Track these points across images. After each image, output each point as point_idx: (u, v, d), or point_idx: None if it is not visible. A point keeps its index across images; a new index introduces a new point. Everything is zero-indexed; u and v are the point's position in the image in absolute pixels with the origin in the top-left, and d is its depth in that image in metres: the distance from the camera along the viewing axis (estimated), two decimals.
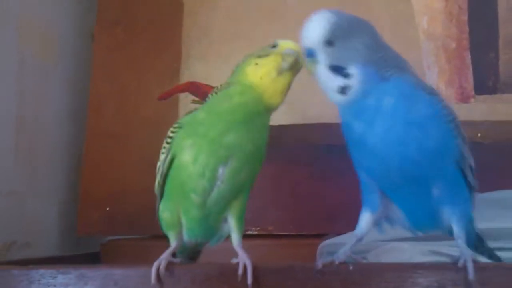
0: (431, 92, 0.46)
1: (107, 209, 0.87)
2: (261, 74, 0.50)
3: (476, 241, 0.52)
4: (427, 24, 0.84)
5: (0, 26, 0.78)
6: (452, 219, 0.45)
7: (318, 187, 0.82)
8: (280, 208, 0.83)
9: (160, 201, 0.55)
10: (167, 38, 0.91)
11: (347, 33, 0.47)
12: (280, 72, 0.51)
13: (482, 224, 0.54)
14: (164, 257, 0.51)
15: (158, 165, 0.53)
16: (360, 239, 0.49)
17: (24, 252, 0.79)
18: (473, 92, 0.82)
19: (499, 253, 0.55)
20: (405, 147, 0.44)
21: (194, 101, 0.89)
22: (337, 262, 0.46)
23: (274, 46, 0.52)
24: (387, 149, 0.45)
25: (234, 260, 0.50)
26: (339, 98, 0.47)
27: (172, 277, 0.50)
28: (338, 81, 0.47)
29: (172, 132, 0.52)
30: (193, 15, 0.91)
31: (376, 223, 0.49)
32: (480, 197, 0.66)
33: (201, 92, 0.89)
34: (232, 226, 0.52)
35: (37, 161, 0.85)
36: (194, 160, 0.49)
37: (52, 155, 0.89)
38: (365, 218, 0.49)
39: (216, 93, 0.52)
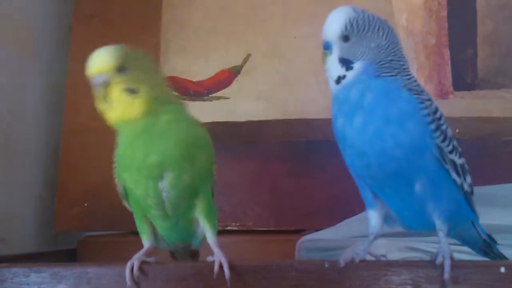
0: (417, 93, 0.46)
1: (85, 204, 0.86)
2: (111, 113, 0.52)
3: (485, 246, 0.52)
4: (407, 21, 0.84)
5: None
6: (434, 214, 0.46)
7: (298, 183, 0.82)
8: (259, 203, 0.83)
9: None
10: (146, 31, 0.90)
11: (363, 30, 0.49)
12: (105, 100, 0.52)
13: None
14: (137, 257, 0.51)
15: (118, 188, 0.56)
16: (376, 236, 0.49)
17: None
18: (451, 89, 0.82)
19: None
20: (382, 143, 0.45)
21: None
22: (357, 260, 0.46)
23: (89, 78, 0.53)
24: (365, 144, 0.46)
25: (209, 258, 0.50)
26: (334, 87, 0.49)
27: (147, 276, 0.49)
28: (339, 71, 0.49)
29: (114, 167, 0.56)
30: (171, 9, 0.90)
31: (384, 219, 0.49)
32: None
33: (180, 87, 0.88)
34: (203, 226, 0.53)
35: (13, 155, 0.83)
36: (135, 186, 0.52)
37: (28, 149, 0.87)
38: (371, 216, 0.49)
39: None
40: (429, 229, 0.48)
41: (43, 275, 0.50)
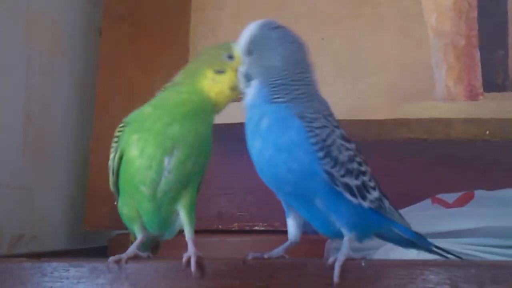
0: (310, 120, 0.48)
1: (115, 203, 0.87)
2: (217, 90, 0.53)
3: (411, 243, 0.53)
4: (436, 21, 0.84)
5: (8, 23, 0.78)
6: (338, 224, 0.49)
7: None
8: None
9: (118, 197, 0.57)
10: (175, 34, 0.91)
11: (263, 47, 0.50)
12: (234, 89, 0.53)
13: (486, 222, 0.54)
14: (130, 251, 0.52)
15: (109, 164, 0.56)
16: (293, 243, 0.54)
17: (31, 246, 0.79)
18: (481, 90, 0.81)
19: (504, 251, 0.55)
20: (275, 168, 0.48)
21: None
22: (266, 256, 0.50)
23: (231, 57, 0.53)
24: (263, 166, 0.50)
25: (185, 254, 0.51)
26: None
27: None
28: (244, 86, 0.51)
29: (118, 131, 0.55)
30: (200, 11, 0.91)
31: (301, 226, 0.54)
32: (486, 195, 0.66)
33: None
34: (183, 219, 0.54)
35: (45, 156, 0.85)
36: (141, 153, 0.51)
37: (60, 150, 0.89)
38: (289, 224, 0.54)
39: (163, 91, 0.55)
40: (340, 236, 0.50)
41: (82, 270, 0.51)
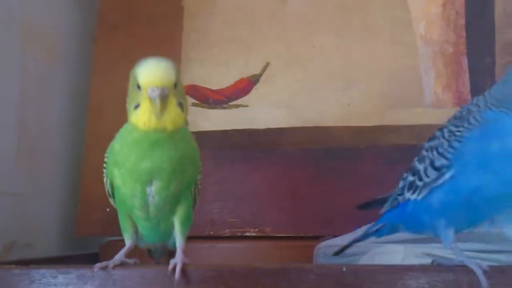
0: None
1: (107, 210, 0.88)
2: (143, 122, 0.52)
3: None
4: (425, 29, 0.85)
5: (2, 30, 0.79)
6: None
7: (316, 190, 0.83)
8: (278, 210, 0.84)
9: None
10: (168, 41, 0.92)
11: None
12: (159, 115, 0.51)
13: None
14: (117, 257, 0.54)
15: (106, 184, 0.59)
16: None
17: (24, 252, 0.80)
18: (469, 97, 0.82)
19: (486, 256, 0.56)
20: None
21: (193, 104, 0.90)
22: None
23: (138, 87, 0.52)
24: None
25: (171, 261, 0.52)
26: None
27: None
28: None
29: (105, 157, 0.58)
30: (192, 18, 0.92)
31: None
32: None
33: (200, 95, 0.90)
34: (176, 229, 0.57)
35: (39, 162, 0.86)
36: (123, 185, 0.54)
37: (53, 156, 0.90)
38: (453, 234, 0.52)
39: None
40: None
41: (70, 276, 0.51)
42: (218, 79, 0.90)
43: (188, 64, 0.91)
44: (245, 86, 0.89)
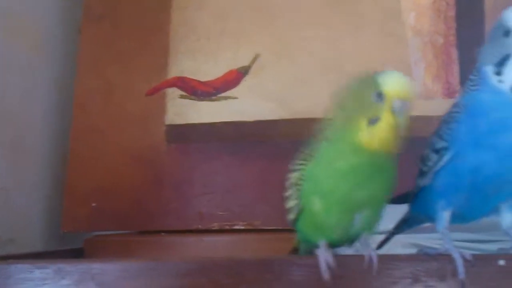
0: None
1: (93, 205, 0.86)
2: (378, 141, 0.45)
3: None
4: (415, 20, 0.85)
5: None
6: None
7: None
8: (267, 203, 0.83)
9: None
10: (155, 33, 0.91)
11: None
12: (397, 132, 0.45)
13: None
14: (325, 250, 0.48)
15: (289, 205, 0.52)
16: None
17: (8, 248, 0.78)
18: (459, 88, 0.82)
19: (475, 245, 0.56)
20: None
21: (181, 96, 0.89)
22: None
23: (379, 96, 0.44)
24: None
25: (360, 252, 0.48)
26: None
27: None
28: None
29: (299, 180, 0.50)
30: (181, 10, 0.91)
31: None
32: None
33: (189, 87, 0.89)
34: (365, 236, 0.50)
35: (22, 156, 0.84)
36: (326, 212, 0.47)
37: (37, 150, 0.88)
38: (447, 216, 0.50)
39: (321, 138, 0.49)
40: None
41: (46, 271, 0.49)
42: (207, 71, 0.89)
43: (177, 56, 0.90)
44: (234, 78, 0.88)
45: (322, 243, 0.49)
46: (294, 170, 0.51)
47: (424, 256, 0.47)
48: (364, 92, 0.45)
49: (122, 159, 0.87)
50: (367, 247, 0.48)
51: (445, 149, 0.47)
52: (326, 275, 0.46)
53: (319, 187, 0.47)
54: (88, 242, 0.84)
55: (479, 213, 0.50)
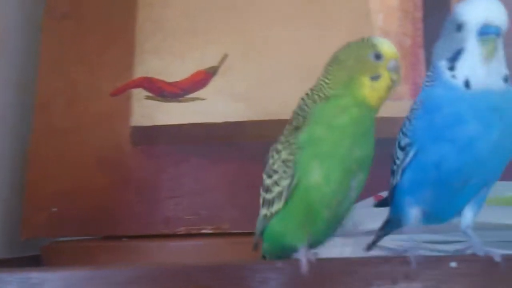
0: None
1: (54, 209, 0.83)
2: (377, 97, 0.48)
3: None
4: (383, 21, 0.85)
5: None
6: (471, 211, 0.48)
7: None
8: (236, 206, 0.81)
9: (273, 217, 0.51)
10: (120, 31, 0.88)
11: None
12: (389, 92, 0.48)
13: None
14: (304, 254, 0.47)
15: (276, 192, 0.50)
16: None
17: None
18: None
19: (442, 246, 0.55)
20: (505, 161, 0.45)
21: (148, 97, 0.87)
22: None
23: (378, 56, 0.48)
24: (491, 160, 0.45)
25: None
26: (500, 84, 0.45)
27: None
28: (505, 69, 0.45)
29: (290, 154, 0.48)
30: (147, 8, 0.89)
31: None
32: None
33: (155, 88, 0.87)
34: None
35: None
36: (326, 181, 0.46)
37: None
38: (416, 213, 0.49)
39: (314, 101, 0.50)
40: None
41: None
42: (174, 71, 0.87)
43: (142, 56, 0.87)
44: (202, 78, 0.87)
45: (302, 246, 0.48)
46: (280, 150, 0.50)
47: (377, 259, 0.46)
48: (364, 53, 0.49)
49: (85, 161, 0.84)
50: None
51: (409, 145, 0.47)
52: (305, 270, 0.45)
53: (319, 149, 0.47)
54: (45, 249, 0.80)
55: (451, 212, 0.49)
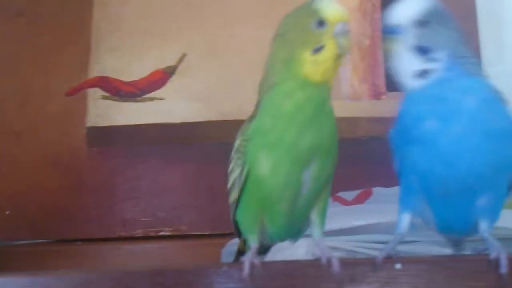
0: (505, 101, 0.43)
1: (7, 212, 0.80)
2: (322, 71, 0.43)
3: None
4: None
5: None
6: (486, 221, 0.44)
7: None
8: (194, 207, 0.81)
9: (236, 208, 0.48)
10: (76, 30, 0.86)
11: (442, 17, 0.44)
12: (338, 59, 0.43)
13: (381, 219, 0.54)
14: (249, 257, 0.44)
15: (232, 180, 0.47)
16: (403, 237, 0.46)
17: None
18: (384, 89, 0.83)
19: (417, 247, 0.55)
20: (479, 157, 0.41)
21: (104, 97, 0.85)
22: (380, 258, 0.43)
23: (321, 23, 0.43)
24: (459, 155, 0.41)
25: (316, 255, 0.44)
26: (415, 82, 0.43)
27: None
28: (419, 64, 0.43)
29: (240, 145, 0.46)
30: (104, 6, 0.87)
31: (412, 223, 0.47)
32: (384, 191, 0.67)
33: (111, 87, 0.85)
34: (314, 222, 0.46)
35: None
36: (274, 172, 0.43)
37: None
38: (406, 219, 0.46)
39: (264, 90, 0.46)
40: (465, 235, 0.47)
41: None
42: (131, 70, 0.85)
43: (99, 55, 0.86)
44: (160, 78, 0.85)
45: (253, 245, 0.46)
46: (236, 139, 0.47)
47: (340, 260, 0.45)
48: (304, 22, 0.44)
49: (39, 163, 0.82)
50: (323, 247, 0.44)
51: (393, 151, 0.46)
52: (246, 274, 0.43)
53: (266, 139, 0.43)
54: None
55: (454, 223, 0.46)
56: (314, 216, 0.46)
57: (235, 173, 0.46)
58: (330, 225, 0.58)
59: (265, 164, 0.43)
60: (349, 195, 0.66)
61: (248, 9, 0.87)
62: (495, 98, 0.42)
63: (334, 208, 0.64)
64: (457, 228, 0.46)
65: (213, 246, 0.77)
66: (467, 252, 0.48)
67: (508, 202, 0.65)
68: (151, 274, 0.44)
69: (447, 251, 0.54)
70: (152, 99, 0.85)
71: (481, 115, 0.41)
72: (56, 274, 0.45)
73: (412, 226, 0.49)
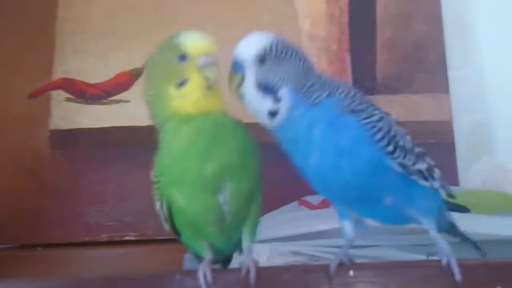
0: (362, 112, 0.45)
1: None
2: (192, 103, 0.43)
3: (449, 228, 0.52)
4: (310, 26, 0.85)
5: None
6: (418, 216, 0.46)
7: None
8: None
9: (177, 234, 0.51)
10: (39, 31, 0.85)
11: (279, 54, 0.45)
12: (210, 87, 0.44)
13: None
14: (205, 265, 0.45)
15: (158, 209, 0.49)
16: (352, 242, 0.48)
17: None
18: None
19: (361, 251, 0.55)
20: (340, 175, 0.44)
21: (68, 99, 0.83)
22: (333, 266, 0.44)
23: (183, 57, 0.44)
24: (325, 177, 0.44)
25: (242, 264, 0.45)
26: (269, 122, 0.45)
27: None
28: (267, 104, 0.44)
29: (155, 180, 0.48)
30: (68, 7, 0.86)
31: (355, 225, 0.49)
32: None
33: (76, 89, 0.84)
34: (244, 235, 0.47)
35: None
36: (189, 203, 0.45)
37: None
38: (347, 225, 0.48)
39: (159, 127, 0.47)
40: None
41: None
42: (96, 72, 0.84)
43: (63, 56, 0.84)
44: (127, 80, 0.84)
45: (207, 257, 0.47)
46: (152, 171, 0.48)
47: (293, 267, 0.46)
48: (167, 57, 0.44)
49: (3, 165, 0.80)
50: (248, 256, 0.45)
51: None
52: (200, 282, 0.43)
53: (171, 176, 0.44)
54: None
55: (382, 219, 0.49)
56: (245, 230, 0.47)
57: (158, 205, 0.48)
58: (295, 229, 0.58)
59: (178, 197, 0.45)
60: (315, 199, 0.66)
61: (215, 13, 0.87)
62: (340, 114, 0.44)
63: (300, 212, 0.65)
64: (390, 222, 0.49)
65: (178, 252, 0.76)
66: (421, 257, 0.49)
67: (496, 208, 0.66)
68: (102, 282, 0.44)
69: (406, 254, 0.55)
70: (117, 101, 0.83)
71: (329, 140, 0.43)
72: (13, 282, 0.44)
73: (365, 228, 0.50)
